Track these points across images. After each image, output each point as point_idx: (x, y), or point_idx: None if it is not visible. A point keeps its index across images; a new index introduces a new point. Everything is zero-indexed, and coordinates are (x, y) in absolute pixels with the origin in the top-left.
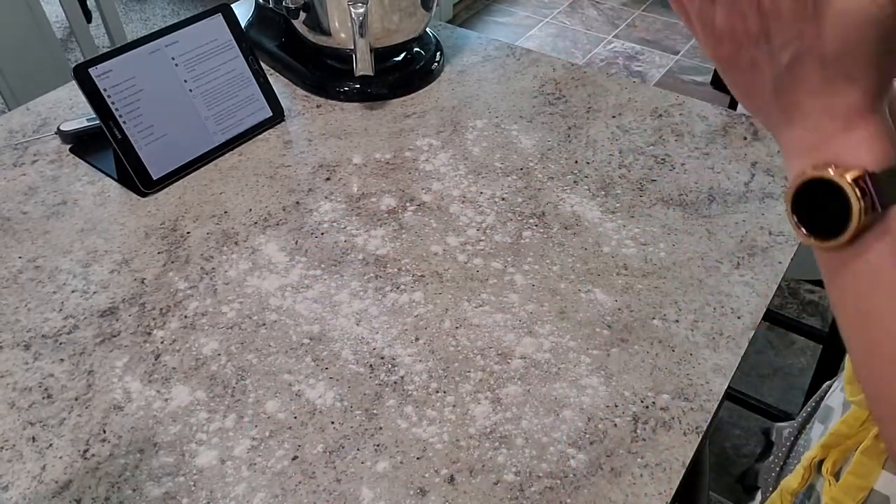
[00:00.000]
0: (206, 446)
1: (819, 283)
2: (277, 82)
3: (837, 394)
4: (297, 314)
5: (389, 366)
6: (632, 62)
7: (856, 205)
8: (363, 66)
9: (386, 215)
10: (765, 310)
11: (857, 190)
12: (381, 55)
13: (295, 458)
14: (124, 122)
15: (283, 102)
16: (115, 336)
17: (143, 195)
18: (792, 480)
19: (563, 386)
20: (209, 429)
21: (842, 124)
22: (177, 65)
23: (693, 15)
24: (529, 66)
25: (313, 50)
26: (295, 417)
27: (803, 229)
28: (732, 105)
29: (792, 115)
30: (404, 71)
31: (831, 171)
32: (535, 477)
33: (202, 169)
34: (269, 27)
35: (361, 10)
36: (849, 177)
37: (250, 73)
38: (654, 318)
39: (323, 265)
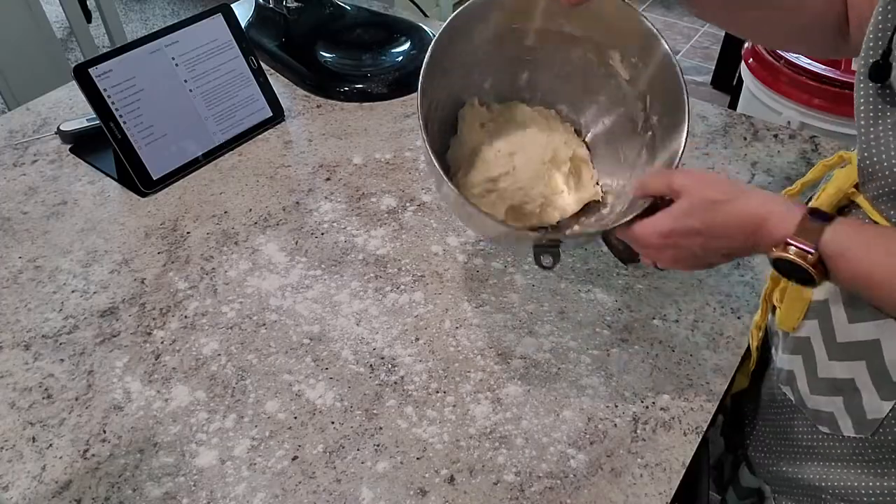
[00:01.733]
0: (206, 446)
1: None
2: (277, 82)
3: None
4: (297, 314)
5: (389, 366)
6: None
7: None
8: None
9: (386, 215)
10: None
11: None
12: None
13: (295, 458)
14: (124, 122)
15: (283, 102)
16: (115, 336)
17: (143, 195)
18: (756, 317)
19: (563, 386)
20: (209, 429)
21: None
22: (177, 65)
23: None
24: None
25: (313, 50)
26: (295, 417)
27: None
28: (732, 105)
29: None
30: (404, 71)
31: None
32: (535, 477)
33: (202, 169)
34: (269, 27)
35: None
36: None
37: (250, 73)
38: (654, 318)
39: (323, 265)
